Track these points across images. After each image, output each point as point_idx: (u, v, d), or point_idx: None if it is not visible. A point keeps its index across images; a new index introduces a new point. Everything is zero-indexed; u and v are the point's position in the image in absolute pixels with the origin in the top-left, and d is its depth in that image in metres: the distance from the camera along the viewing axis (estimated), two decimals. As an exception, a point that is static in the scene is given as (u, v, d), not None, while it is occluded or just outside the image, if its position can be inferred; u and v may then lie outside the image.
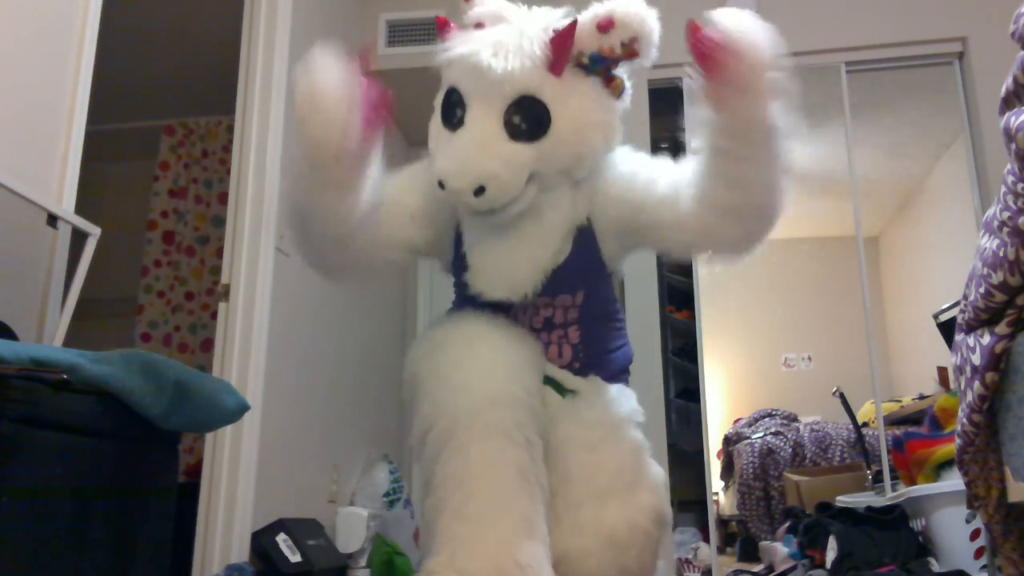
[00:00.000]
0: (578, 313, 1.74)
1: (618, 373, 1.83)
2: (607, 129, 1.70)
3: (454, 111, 1.66)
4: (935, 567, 2.33)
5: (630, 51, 1.66)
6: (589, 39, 1.62)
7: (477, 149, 1.57)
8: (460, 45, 1.66)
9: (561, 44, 1.57)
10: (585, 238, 1.70)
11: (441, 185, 1.58)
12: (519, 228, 1.64)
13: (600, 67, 1.67)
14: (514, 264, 1.64)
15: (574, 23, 1.59)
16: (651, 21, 1.63)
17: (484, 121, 1.58)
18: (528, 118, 1.58)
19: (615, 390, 1.76)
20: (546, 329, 1.74)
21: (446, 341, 1.64)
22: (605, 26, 1.60)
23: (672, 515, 1.79)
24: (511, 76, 1.55)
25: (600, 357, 1.78)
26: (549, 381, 1.72)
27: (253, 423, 2.59)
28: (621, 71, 1.74)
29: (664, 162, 1.77)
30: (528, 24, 1.62)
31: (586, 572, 1.59)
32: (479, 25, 1.70)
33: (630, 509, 1.63)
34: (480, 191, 1.53)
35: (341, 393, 3.34)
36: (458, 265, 1.74)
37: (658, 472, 1.75)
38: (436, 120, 1.72)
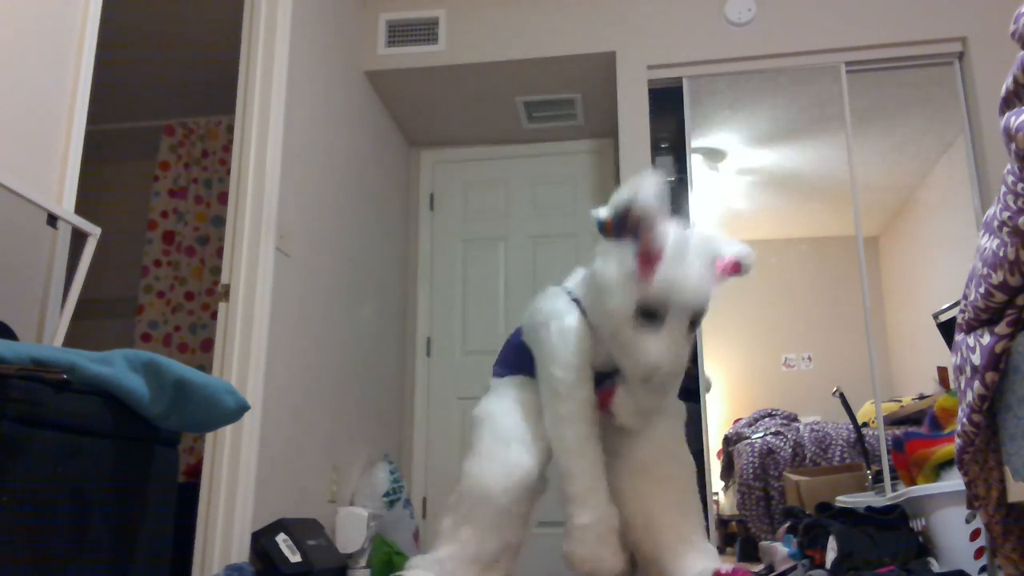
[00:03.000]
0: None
1: None
2: None
3: (653, 314, 2.09)
4: (935, 567, 2.32)
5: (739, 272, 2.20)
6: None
7: (678, 348, 2.05)
8: (662, 281, 2.05)
9: (723, 276, 2.12)
10: None
11: (654, 367, 2.05)
12: None
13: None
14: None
15: (737, 264, 2.13)
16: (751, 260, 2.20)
17: (677, 328, 2.05)
18: (696, 321, 2.10)
19: None
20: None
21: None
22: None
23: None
24: (698, 305, 2.06)
25: None
26: None
27: (253, 423, 2.59)
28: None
29: None
30: (701, 256, 2.08)
31: (661, 472, 2.22)
32: (659, 252, 2.06)
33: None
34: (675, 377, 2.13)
35: (341, 393, 3.34)
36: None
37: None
38: (631, 313, 2.11)
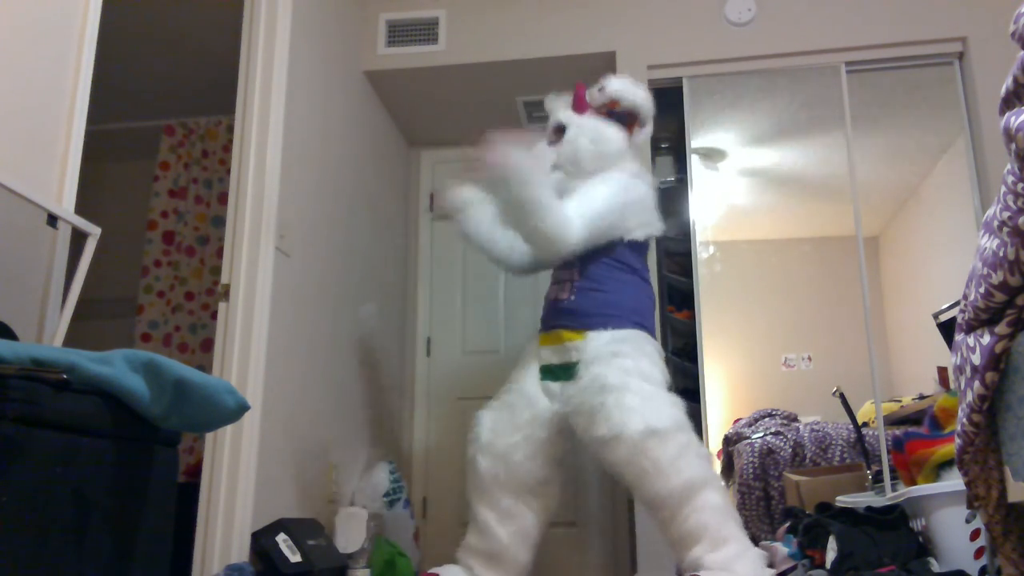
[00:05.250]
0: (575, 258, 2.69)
1: (611, 315, 2.60)
2: (601, 146, 2.75)
3: None
4: (935, 567, 2.32)
5: (612, 104, 2.83)
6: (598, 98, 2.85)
7: None
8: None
9: (576, 99, 2.87)
10: None
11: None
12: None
13: (615, 117, 2.84)
14: None
15: (581, 86, 2.89)
16: (628, 91, 2.84)
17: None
18: (557, 133, 2.83)
19: (606, 337, 2.53)
20: (567, 267, 2.70)
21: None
22: (602, 90, 2.85)
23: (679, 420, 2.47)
24: (554, 115, 2.88)
25: (589, 293, 2.62)
26: (560, 370, 2.60)
27: (253, 423, 2.59)
28: (644, 121, 2.88)
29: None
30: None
31: (623, 453, 2.41)
32: None
33: (620, 415, 2.39)
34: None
35: (341, 393, 3.34)
36: None
37: (646, 392, 2.46)
38: None
